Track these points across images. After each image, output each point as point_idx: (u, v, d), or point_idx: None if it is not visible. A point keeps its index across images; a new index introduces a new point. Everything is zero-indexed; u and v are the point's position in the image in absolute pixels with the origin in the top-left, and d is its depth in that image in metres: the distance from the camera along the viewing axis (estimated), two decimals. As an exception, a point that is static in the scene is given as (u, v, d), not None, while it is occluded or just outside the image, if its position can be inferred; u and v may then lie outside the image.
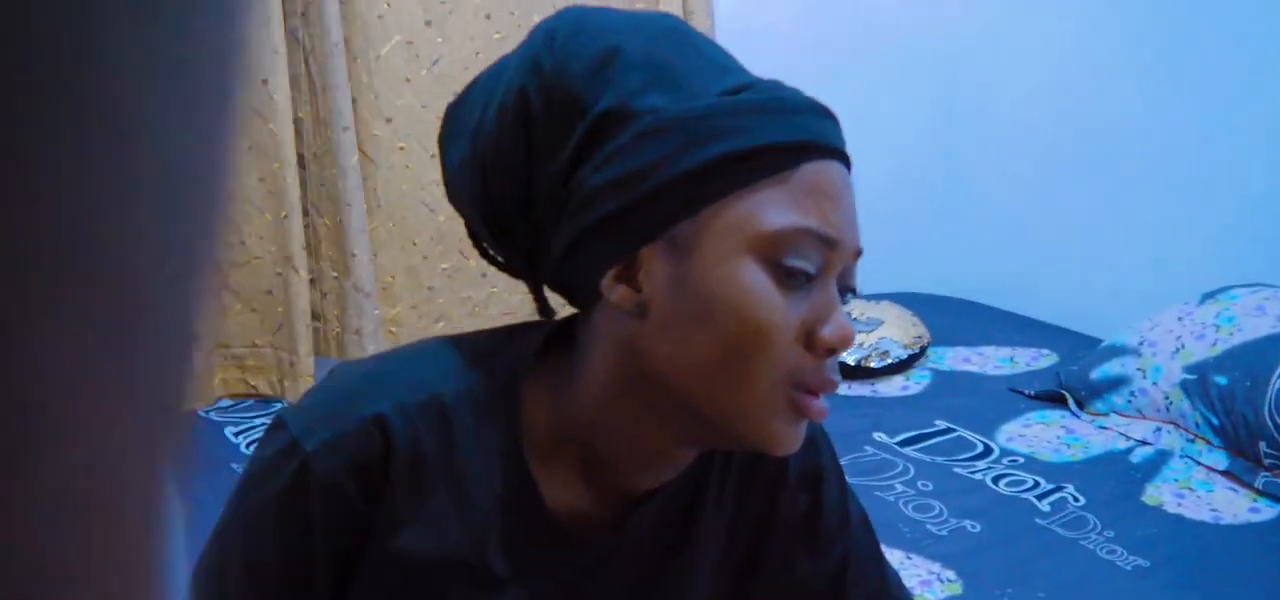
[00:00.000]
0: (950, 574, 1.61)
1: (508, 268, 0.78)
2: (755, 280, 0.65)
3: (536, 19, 2.05)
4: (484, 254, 0.79)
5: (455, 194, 0.76)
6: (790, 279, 0.65)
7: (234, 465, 1.99)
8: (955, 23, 2.85)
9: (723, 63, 0.70)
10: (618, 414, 0.70)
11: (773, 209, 0.65)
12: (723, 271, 0.65)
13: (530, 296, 0.78)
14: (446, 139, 0.76)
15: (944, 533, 1.74)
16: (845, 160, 0.70)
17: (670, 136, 0.65)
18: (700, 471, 0.80)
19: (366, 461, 0.69)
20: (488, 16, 2.37)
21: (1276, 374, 1.86)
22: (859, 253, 0.70)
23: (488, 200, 0.72)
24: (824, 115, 0.70)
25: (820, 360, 0.67)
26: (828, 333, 0.66)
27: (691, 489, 0.80)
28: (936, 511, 1.82)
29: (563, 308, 0.77)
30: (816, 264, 0.66)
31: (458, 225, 2.60)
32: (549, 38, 0.68)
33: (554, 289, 0.75)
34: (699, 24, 2.60)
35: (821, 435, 0.87)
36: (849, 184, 0.70)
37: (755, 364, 0.65)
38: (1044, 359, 2.48)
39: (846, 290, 0.70)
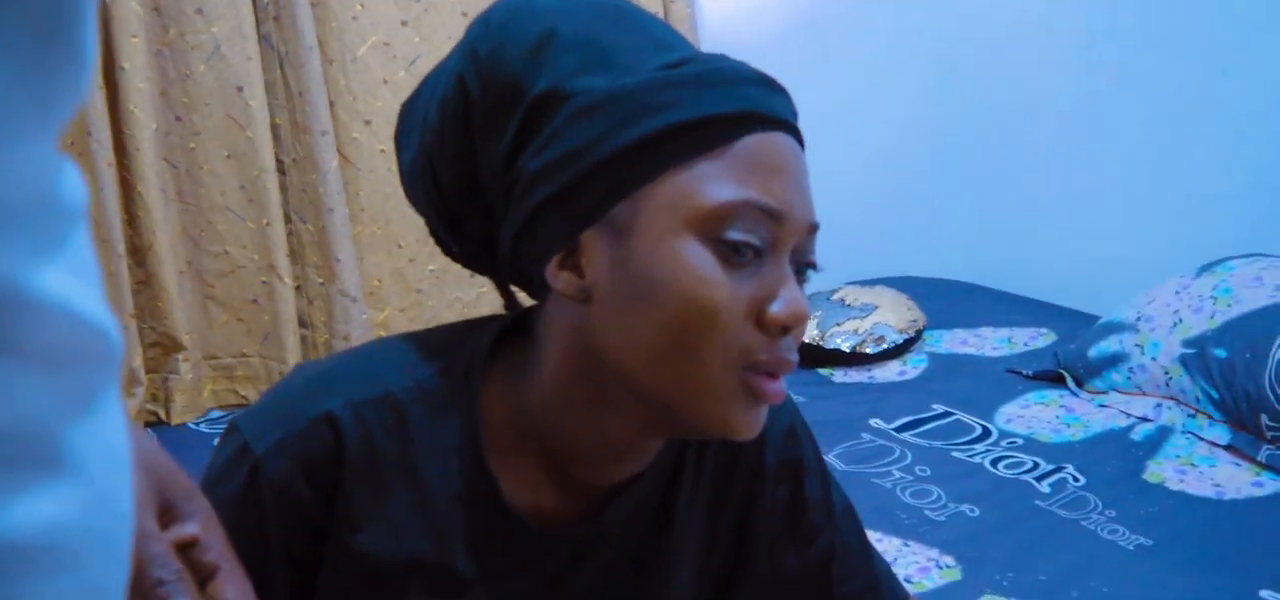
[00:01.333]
0: (949, 560, 1.58)
1: (469, 262, 0.76)
2: (696, 258, 0.62)
3: None
4: (445, 251, 0.77)
5: (411, 192, 0.75)
6: (736, 255, 0.62)
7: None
8: (947, 5, 2.82)
9: (664, 38, 0.68)
10: (574, 404, 0.68)
11: (711, 183, 0.62)
12: (663, 251, 0.62)
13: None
14: (400, 137, 0.75)
15: (942, 518, 1.71)
16: (795, 133, 0.67)
17: (604, 114, 0.63)
18: (674, 463, 0.78)
19: (317, 460, 0.68)
20: (464, 13, 2.34)
21: (1276, 345, 1.83)
22: (813, 227, 0.67)
23: (438, 195, 0.71)
24: (768, 86, 0.67)
25: (774, 340, 0.64)
26: (778, 310, 0.63)
27: (665, 481, 0.77)
28: (934, 496, 1.78)
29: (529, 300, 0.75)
30: (763, 238, 0.63)
31: None
32: (485, 24, 0.67)
33: (510, 281, 0.73)
34: (677, 3, 2.57)
35: (801, 426, 0.85)
36: (799, 155, 0.67)
37: (703, 346, 0.62)
38: (1042, 338, 2.45)
39: (804, 266, 0.67)
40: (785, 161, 0.65)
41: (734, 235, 0.62)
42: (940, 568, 1.56)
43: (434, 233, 0.76)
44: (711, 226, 0.62)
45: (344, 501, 0.69)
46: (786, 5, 2.80)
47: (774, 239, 0.64)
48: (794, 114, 0.68)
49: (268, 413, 0.70)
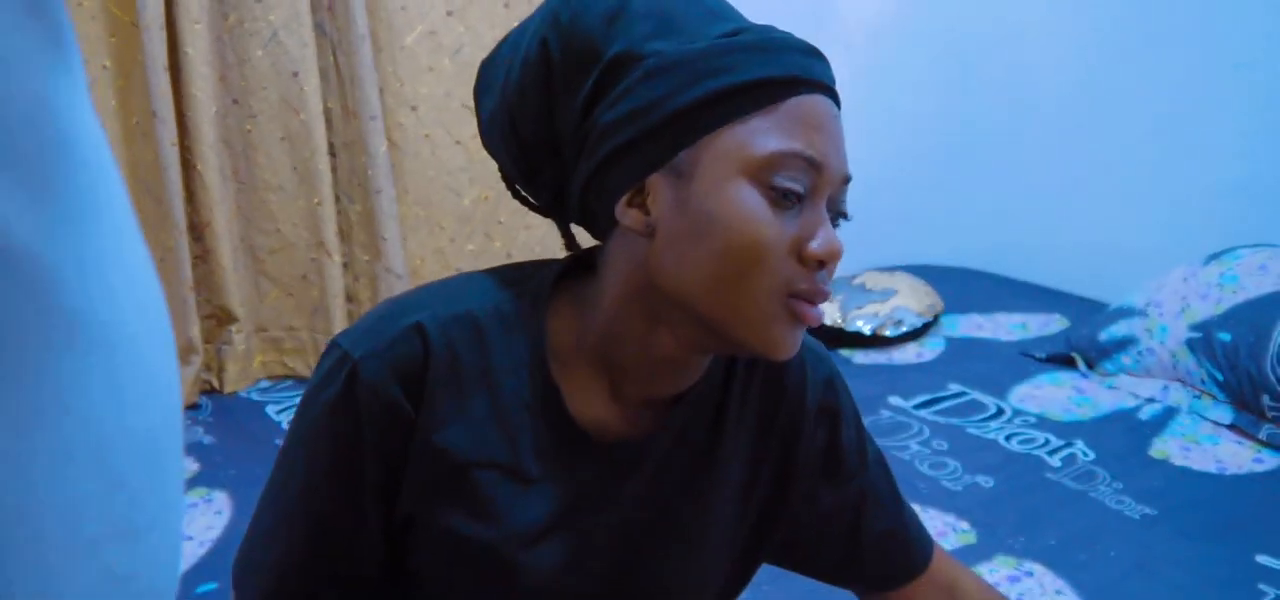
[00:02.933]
0: (964, 524, 1.68)
1: (538, 207, 0.85)
2: (748, 199, 0.71)
3: None
4: (516, 195, 0.86)
5: (488, 141, 0.83)
6: (783, 199, 0.71)
7: (277, 440, 2.08)
8: (965, 3, 2.91)
9: (720, 10, 0.77)
10: (631, 324, 0.77)
11: (762, 136, 0.71)
12: (719, 193, 0.71)
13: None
14: (479, 92, 0.83)
15: (958, 488, 1.82)
16: (833, 96, 0.77)
17: (672, 75, 0.72)
18: (721, 394, 0.87)
19: (408, 365, 0.76)
20: (506, 5, 2.44)
21: (1278, 329, 1.92)
22: (847, 179, 0.76)
23: (517, 145, 0.79)
24: (812, 54, 0.76)
25: (812, 272, 0.73)
26: (816, 246, 0.72)
27: (713, 409, 0.86)
28: (951, 468, 1.89)
29: (587, 242, 0.85)
30: (805, 184, 0.72)
31: (482, 208, 2.67)
32: None
33: (577, 222, 0.83)
34: None
35: (839, 379, 0.94)
36: (835, 115, 0.76)
37: (752, 275, 0.72)
38: (1056, 323, 2.55)
39: (838, 215, 0.77)
40: (825, 120, 0.74)
41: (781, 181, 0.71)
42: (956, 531, 1.67)
43: (506, 177, 0.85)
44: (762, 173, 0.71)
45: (429, 403, 0.77)
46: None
47: (814, 186, 0.73)
48: (833, 80, 0.77)
49: (362, 327, 0.79)
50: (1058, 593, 1.49)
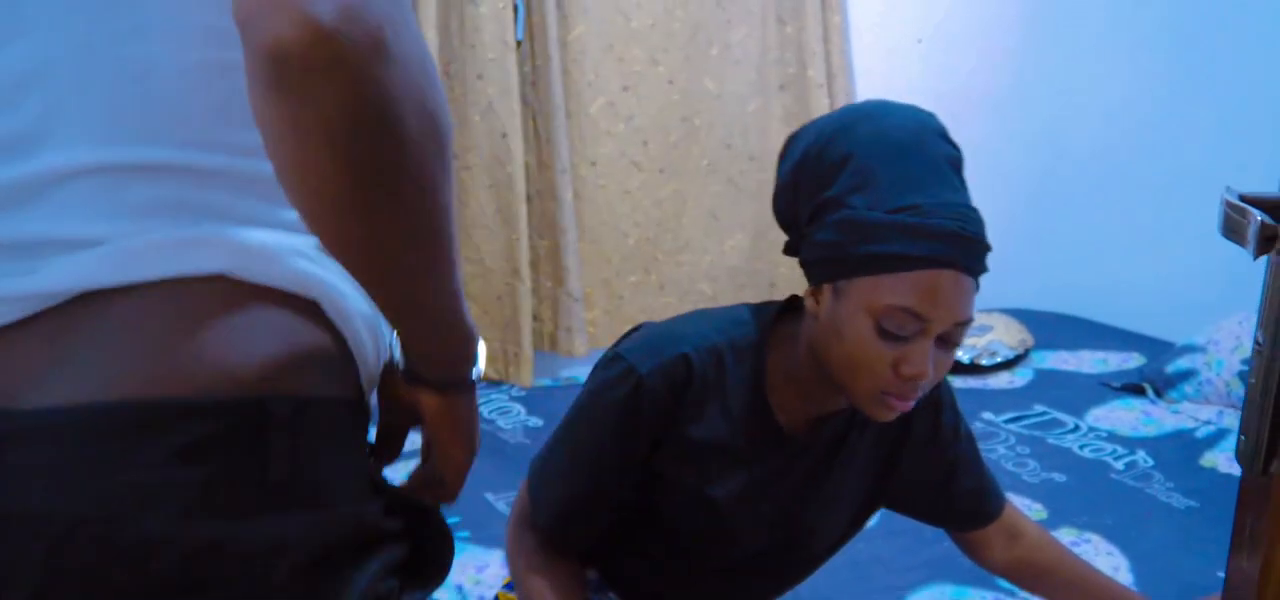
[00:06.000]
0: (1038, 506, 2.11)
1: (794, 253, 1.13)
2: (864, 329, 0.98)
3: (707, 82, 2.86)
4: (787, 246, 1.14)
5: (776, 201, 1.11)
6: (886, 335, 0.98)
7: (481, 426, 2.63)
8: (1053, 80, 3.30)
9: (913, 178, 0.99)
10: (812, 369, 1.09)
11: (886, 293, 0.97)
12: (852, 318, 0.99)
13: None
14: (781, 160, 1.11)
15: (1035, 482, 2.24)
16: (969, 269, 0.98)
17: (851, 231, 0.98)
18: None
19: (677, 381, 1.07)
20: (670, 81, 2.99)
21: (1313, 364, 2.30)
22: (958, 323, 0.98)
23: (778, 211, 1.12)
24: (955, 241, 0.96)
25: (903, 383, 0.99)
26: (905, 369, 0.99)
27: (852, 414, 1.18)
28: (1031, 467, 2.31)
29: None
30: (909, 330, 0.97)
31: (642, 247, 3.27)
32: (828, 130, 1.03)
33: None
34: (837, 66, 3.15)
35: (944, 384, 1.24)
36: (958, 283, 0.97)
37: (856, 376, 1.01)
38: (1133, 360, 2.93)
39: (951, 345, 1.01)
40: (945, 289, 0.96)
41: (886, 324, 0.97)
42: (1030, 511, 2.07)
43: (782, 226, 1.12)
44: (876, 316, 0.97)
45: (685, 407, 1.08)
46: (922, 82, 3.30)
47: (920, 330, 0.97)
48: (974, 258, 0.98)
49: (645, 349, 1.08)
50: (1109, 554, 1.91)
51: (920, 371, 0.98)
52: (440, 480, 0.77)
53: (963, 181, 1.04)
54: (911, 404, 1.02)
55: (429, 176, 0.57)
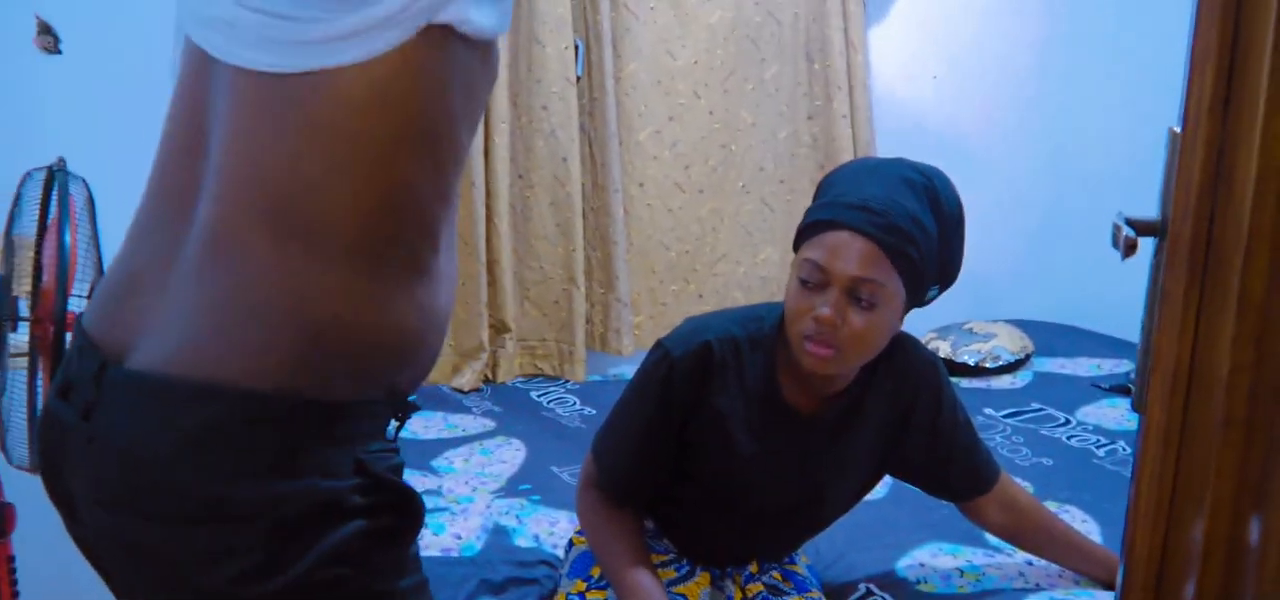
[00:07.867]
0: (1027, 485, 2.44)
1: None
2: (792, 285, 1.27)
3: (743, 114, 3.34)
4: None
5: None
6: (805, 285, 1.24)
7: (543, 413, 2.99)
8: (1056, 117, 3.55)
9: (862, 182, 1.25)
10: None
11: (805, 253, 1.26)
12: (789, 282, 1.30)
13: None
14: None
15: (1027, 465, 2.57)
16: (865, 232, 1.21)
17: (807, 215, 1.30)
18: (864, 386, 1.40)
19: (703, 363, 1.34)
20: (710, 112, 3.35)
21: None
22: (854, 280, 1.21)
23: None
24: (855, 208, 1.21)
25: (817, 326, 1.22)
26: (817, 314, 1.23)
27: (858, 395, 1.43)
28: (1023, 453, 2.65)
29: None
30: (817, 280, 1.23)
31: (683, 259, 3.74)
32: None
33: None
34: (860, 100, 3.49)
35: (946, 381, 1.50)
36: (853, 243, 1.21)
37: (790, 325, 1.27)
38: (1125, 366, 3.24)
39: (866, 306, 1.24)
40: (842, 245, 1.20)
41: (802, 275, 1.24)
42: (1021, 487, 2.42)
43: None
44: (797, 272, 1.26)
45: (709, 384, 1.33)
46: (935, 103, 3.54)
47: (824, 282, 1.22)
48: (867, 222, 1.21)
49: (679, 338, 1.34)
50: (1083, 521, 2.24)
51: (828, 317, 1.20)
52: None
53: (919, 198, 1.23)
54: (828, 353, 1.24)
55: None
